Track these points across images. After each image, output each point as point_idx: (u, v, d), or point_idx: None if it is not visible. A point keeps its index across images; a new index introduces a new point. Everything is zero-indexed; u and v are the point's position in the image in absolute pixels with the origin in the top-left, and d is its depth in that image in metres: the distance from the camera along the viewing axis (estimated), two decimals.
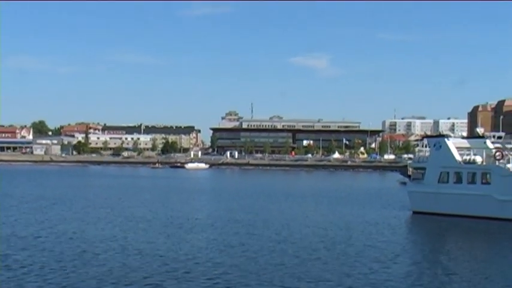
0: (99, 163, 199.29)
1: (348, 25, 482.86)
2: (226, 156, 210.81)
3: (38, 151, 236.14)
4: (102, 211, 51.02)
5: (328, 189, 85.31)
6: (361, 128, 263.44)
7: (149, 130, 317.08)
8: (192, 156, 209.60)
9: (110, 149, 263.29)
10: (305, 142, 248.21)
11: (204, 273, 26.07)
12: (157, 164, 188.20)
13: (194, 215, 49.03)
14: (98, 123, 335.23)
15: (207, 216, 49.05)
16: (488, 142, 52.95)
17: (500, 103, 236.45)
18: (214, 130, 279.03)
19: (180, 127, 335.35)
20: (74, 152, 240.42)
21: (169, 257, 29.85)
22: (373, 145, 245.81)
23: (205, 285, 23.99)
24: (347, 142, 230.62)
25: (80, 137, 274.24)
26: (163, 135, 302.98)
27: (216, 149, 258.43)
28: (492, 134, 58.92)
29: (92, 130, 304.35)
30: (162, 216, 47.48)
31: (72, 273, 25.71)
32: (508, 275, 27.59)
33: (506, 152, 50.54)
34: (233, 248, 32.90)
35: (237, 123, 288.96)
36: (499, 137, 56.85)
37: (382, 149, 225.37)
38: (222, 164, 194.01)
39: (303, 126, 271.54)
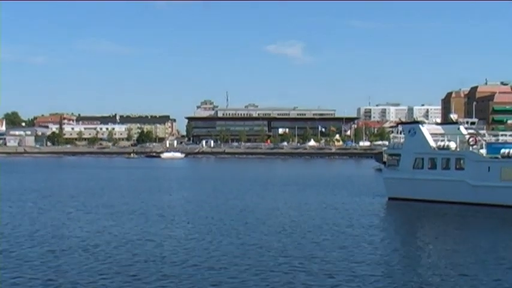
0: (73, 154, 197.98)
1: (322, 13, 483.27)
2: (202, 145, 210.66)
3: (12, 143, 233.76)
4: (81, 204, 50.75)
5: (304, 176, 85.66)
6: (336, 115, 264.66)
7: (124, 120, 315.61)
8: (167, 145, 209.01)
9: (85, 139, 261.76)
10: (281, 130, 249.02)
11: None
12: (132, 154, 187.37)
13: (170, 206, 49.02)
14: (72, 114, 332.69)
15: (182, 206, 49.06)
16: (461, 128, 53.47)
17: (473, 90, 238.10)
18: (190, 119, 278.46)
19: (155, 116, 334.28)
20: (48, 143, 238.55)
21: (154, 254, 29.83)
22: (348, 132, 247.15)
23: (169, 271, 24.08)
24: (322, 130, 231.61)
25: (54, 127, 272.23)
26: (138, 125, 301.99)
27: (191, 138, 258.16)
28: (465, 120, 59.43)
29: (66, 121, 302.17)
30: (136, 207, 47.33)
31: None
32: (477, 253, 28.50)
33: (480, 138, 51.09)
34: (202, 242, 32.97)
35: (212, 112, 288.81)
36: (472, 123, 57.40)
37: (357, 136, 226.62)
38: (198, 153, 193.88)
39: (278, 114, 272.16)
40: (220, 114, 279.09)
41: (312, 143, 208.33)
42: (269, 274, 23.93)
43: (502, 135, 58.41)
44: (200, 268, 24.90)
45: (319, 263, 25.91)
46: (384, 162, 55.90)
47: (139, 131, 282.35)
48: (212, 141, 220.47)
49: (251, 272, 24.21)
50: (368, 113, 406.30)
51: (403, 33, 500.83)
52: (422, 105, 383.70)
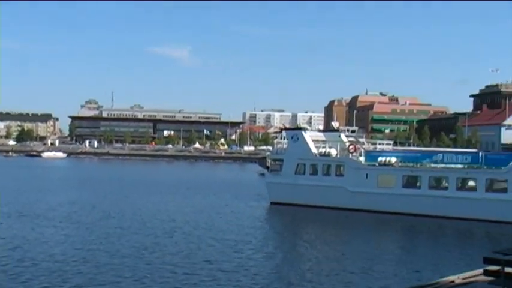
0: None
1: (210, 17, 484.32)
2: (85, 146, 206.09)
3: None
4: None
5: (188, 179, 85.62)
6: (222, 119, 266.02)
7: (3, 117, 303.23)
8: (49, 144, 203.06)
9: None
10: (166, 132, 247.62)
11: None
12: (10, 153, 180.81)
13: (51, 207, 47.88)
14: None
15: (61, 207, 48.05)
16: (342, 136, 55.24)
17: (354, 99, 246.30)
18: (73, 118, 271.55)
19: (37, 114, 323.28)
20: None
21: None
22: (233, 136, 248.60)
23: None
24: (208, 133, 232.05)
25: None
26: (18, 123, 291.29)
27: (74, 138, 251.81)
28: (346, 128, 61.56)
29: None
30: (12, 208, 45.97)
31: None
32: (353, 256, 29.69)
33: (359, 146, 53.04)
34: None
35: (96, 112, 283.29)
36: (353, 131, 59.46)
37: (242, 141, 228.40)
38: (81, 153, 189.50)
39: (164, 116, 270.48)
40: (104, 115, 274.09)
41: (197, 146, 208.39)
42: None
43: (379, 143, 61.07)
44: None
45: (188, 265, 26.15)
46: (267, 167, 56.87)
47: (20, 128, 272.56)
48: (96, 142, 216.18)
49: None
50: (253, 118, 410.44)
51: (288, 40, 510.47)
52: (306, 112, 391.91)
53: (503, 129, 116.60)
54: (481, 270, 12.13)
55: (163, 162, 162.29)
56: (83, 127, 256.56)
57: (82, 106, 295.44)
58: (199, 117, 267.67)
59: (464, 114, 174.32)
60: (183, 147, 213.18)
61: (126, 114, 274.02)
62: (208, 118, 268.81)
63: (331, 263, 27.85)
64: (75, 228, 36.67)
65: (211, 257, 28.01)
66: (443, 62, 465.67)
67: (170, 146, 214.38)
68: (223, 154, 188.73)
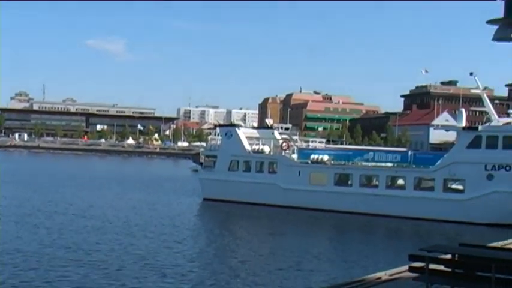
0: None
1: (144, 10, 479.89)
2: (15, 138, 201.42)
3: None
4: None
5: (121, 175, 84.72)
6: (156, 114, 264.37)
7: None
8: None
9: None
10: (99, 127, 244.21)
11: None
12: None
13: None
14: None
15: None
16: (276, 133, 55.61)
17: (288, 96, 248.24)
18: (2, 110, 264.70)
19: None
20: None
21: None
22: (167, 132, 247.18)
23: None
24: (141, 128, 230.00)
25: None
26: None
27: (3, 131, 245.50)
28: (280, 125, 62.06)
29: None
30: None
31: None
32: (285, 253, 29.87)
33: (292, 143, 53.52)
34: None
35: (27, 105, 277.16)
36: (286, 129, 59.99)
37: (176, 136, 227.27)
38: (10, 146, 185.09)
39: (97, 110, 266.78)
40: (35, 107, 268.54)
41: (130, 141, 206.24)
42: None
43: (312, 141, 61.85)
44: None
45: (120, 262, 25.91)
46: (201, 163, 56.84)
47: None
48: (26, 135, 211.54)
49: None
50: (188, 113, 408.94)
51: (223, 36, 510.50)
52: (241, 108, 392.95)
53: (431, 129, 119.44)
54: (407, 267, 12.47)
55: (96, 157, 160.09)
56: (12, 119, 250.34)
57: (12, 98, 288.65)
58: (133, 112, 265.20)
59: (395, 114, 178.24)
60: (116, 142, 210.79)
61: (58, 108, 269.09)
62: (142, 113, 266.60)
63: (263, 260, 28.08)
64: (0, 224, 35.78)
65: (143, 254, 27.82)
66: (377, 62, 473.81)
67: (103, 140, 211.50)
68: (157, 150, 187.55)
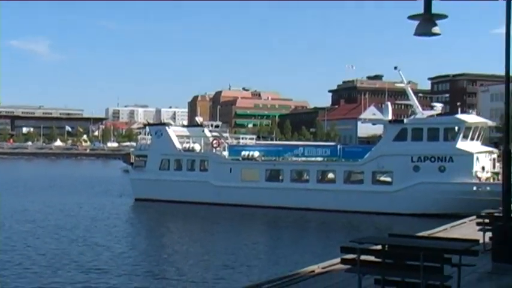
0: None
1: (68, 10, 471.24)
2: None
3: None
4: None
5: (50, 177, 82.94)
6: (84, 115, 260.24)
7: None
8: None
9: None
10: (25, 129, 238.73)
11: None
12: None
13: None
14: None
15: None
16: (206, 131, 55.69)
17: (218, 94, 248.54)
18: None
19: None
20: None
21: None
22: (96, 133, 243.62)
23: None
24: (69, 129, 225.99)
25: None
26: None
27: None
28: (210, 123, 62.13)
29: None
30: None
31: None
32: (219, 250, 30.21)
33: (223, 141, 53.64)
34: None
35: None
36: (217, 126, 60.12)
37: (105, 137, 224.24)
38: None
39: (22, 112, 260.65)
40: None
41: (58, 143, 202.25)
42: None
43: (242, 138, 62.08)
44: None
45: (54, 268, 25.35)
46: (131, 163, 56.34)
47: None
48: None
49: None
50: (116, 113, 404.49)
51: (150, 35, 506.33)
52: (170, 107, 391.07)
53: (359, 123, 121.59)
54: (339, 259, 12.69)
55: (22, 160, 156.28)
56: None
57: None
58: (60, 114, 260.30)
59: (323, 108, 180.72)
60: (44, 144, 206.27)
61: None
62: (70, 114, 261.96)
63: (196, 258, 28.04)
64: None
65: (77, 258, 27.29)
66: (304, 57, 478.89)
67: (30, 143, 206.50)
68: (87, 151, 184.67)
